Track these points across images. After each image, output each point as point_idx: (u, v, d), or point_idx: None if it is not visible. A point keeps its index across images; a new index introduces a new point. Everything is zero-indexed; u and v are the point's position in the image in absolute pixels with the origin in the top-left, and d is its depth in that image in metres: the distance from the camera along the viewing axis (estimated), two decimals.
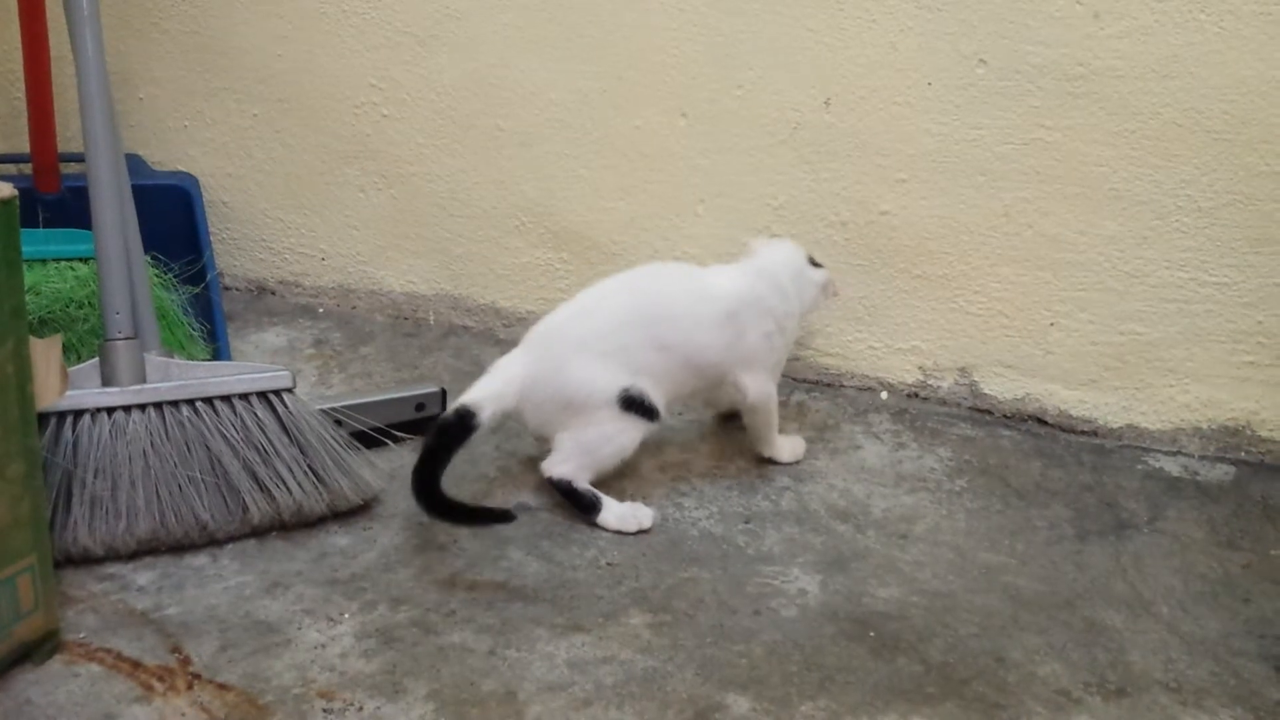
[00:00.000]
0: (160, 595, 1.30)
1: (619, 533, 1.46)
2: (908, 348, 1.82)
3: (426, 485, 1.38)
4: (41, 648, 1.19)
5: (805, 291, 1.62)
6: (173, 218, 1.86)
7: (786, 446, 1.64)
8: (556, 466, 1.48)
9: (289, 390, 1.41)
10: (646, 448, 1.57)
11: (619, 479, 1.54)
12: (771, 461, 1.63)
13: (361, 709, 1.15)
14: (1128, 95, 1.63)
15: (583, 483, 1.48)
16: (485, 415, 1.42)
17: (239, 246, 2.06)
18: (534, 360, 1.47)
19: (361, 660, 1.22)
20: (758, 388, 1.55)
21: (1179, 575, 1.45)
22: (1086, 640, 1.32)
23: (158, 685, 1.17)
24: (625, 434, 1.47)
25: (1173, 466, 1.69)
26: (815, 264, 1.65)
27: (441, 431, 1.41)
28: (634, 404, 1.46)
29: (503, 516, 1.40)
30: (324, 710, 1.15)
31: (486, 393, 1.44)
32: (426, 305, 2.01)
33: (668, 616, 1.31)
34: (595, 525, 1.47)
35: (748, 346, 1.53)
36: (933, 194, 1.74)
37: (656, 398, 1.48)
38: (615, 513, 1.47)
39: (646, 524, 1.47)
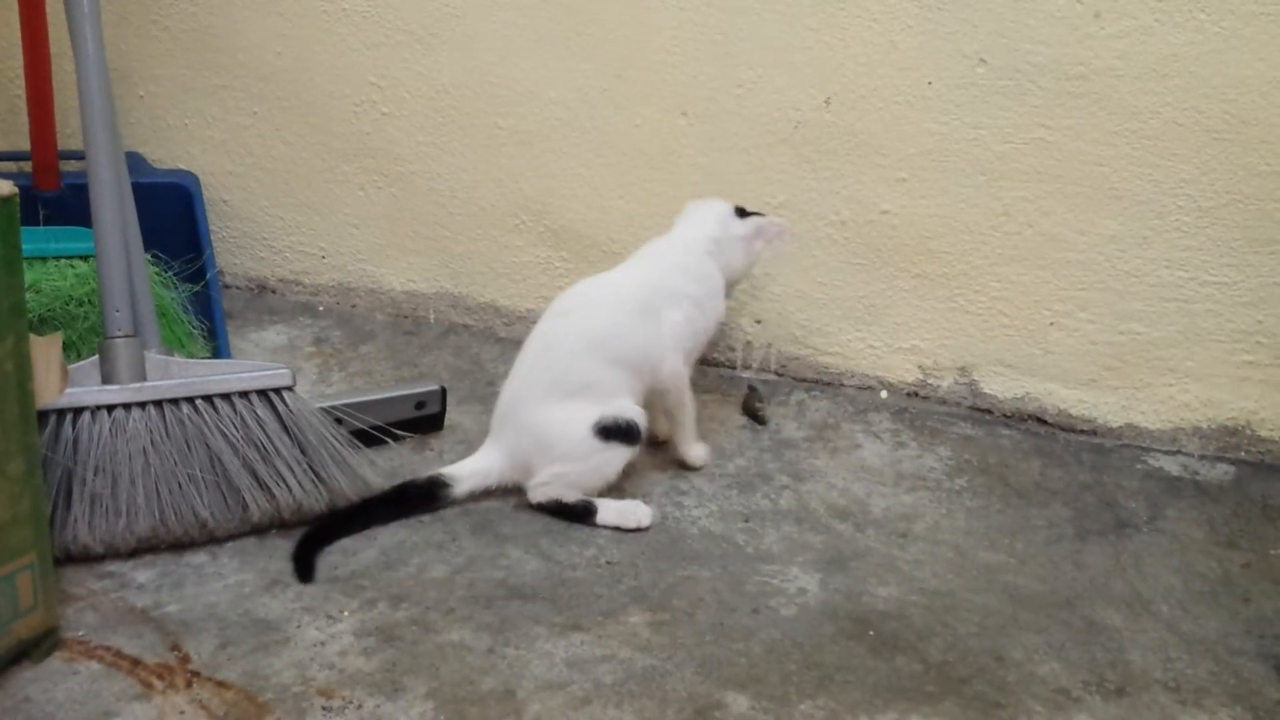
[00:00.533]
0: (160, 593, 1.30)
1: (618, 529, 1.46)
2: (907, 347, 1.82)
3: (322, 536, 1.39)
4: (41, 645, 1.19)
5: (731, 255, 1.62)
6: (173, 215, 1.86)
7: (697, 450, 1.62)
8: (539, 492, 1.48)
9: (289, 388, 1.41)
10: (647, 446, 1.57)
11: (618, 479, 1.54)
12: (684, 466, 1.61)
13: (361, 707, 1.15)
14: (1128, 95, 1.63)
15: (571, 498, 1.48)
16: (462, 489, 1.47)
17: (239, 244, 2.06)
18: (508, 439, 1.49)
19: (361, 658, 1.22)
20: (672, 367, 1.54)
21: (1178, 575, 1.45)
22: (1086, 639, 1.32)
23: (157, 683, 1.17)
24: (609, 463, 1.48)
25: (1172, 466, 1.69)
26: (744, 214, 1.65)
27: (401, 491, 1.45)
28: (613, 431, 1.46)
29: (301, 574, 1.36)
30: (323, 708, 1.15)
31: (467, 469, 1.49)
32: (426, 303, 2.01)
33: (667, 615, 1.31)
34: (596, 526, 1.47)
35: (671, 330, 1.54)
36: (933, 193, 1.74)
37: (635, 413, 1.48)
38: (614, 508, 1.48)
39: (645, 522, 1.48)
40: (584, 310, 1.53)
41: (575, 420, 1.46)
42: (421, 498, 1.46)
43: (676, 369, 1.55)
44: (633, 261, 1.60)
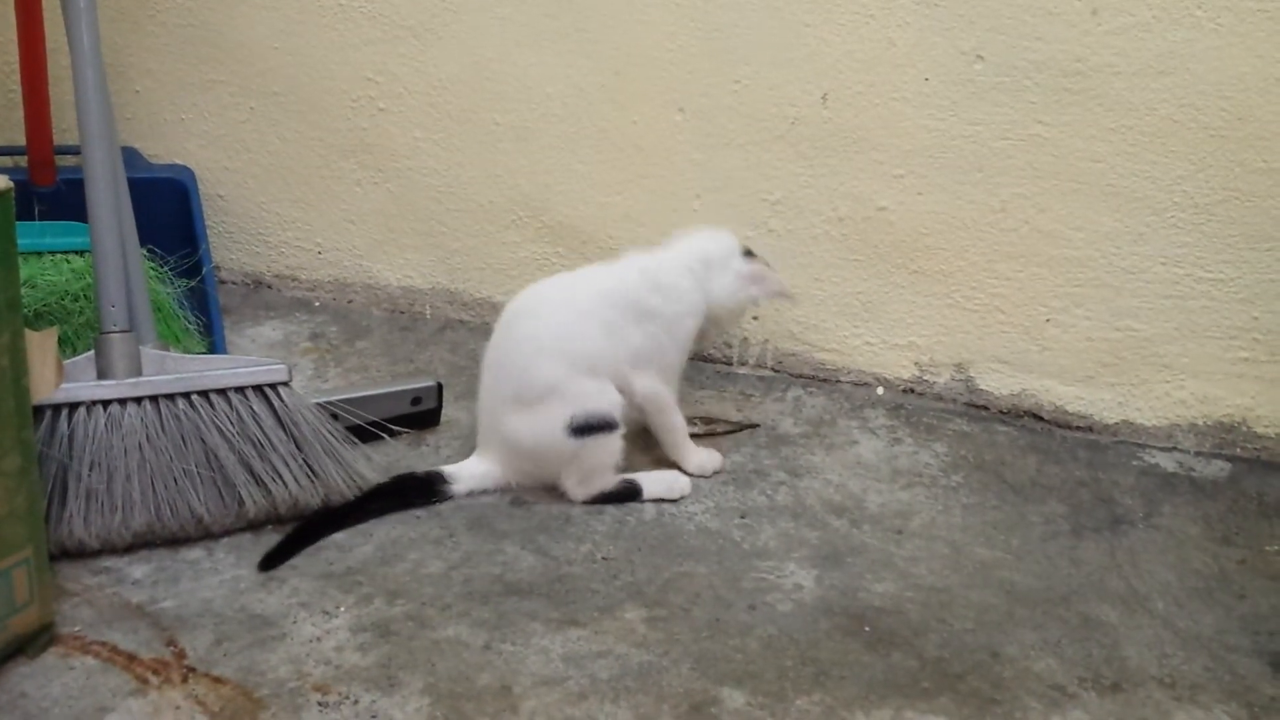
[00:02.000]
0: (156, 588, 1.30)
1: (663, 500, 1.51)
2: (904, 343, 1.82)
3: (318, 529, 1.40)
4: (36, 641, 1.19)
5: (720, 285, 1.56)
6: (168, 211, 1.86)
7: (695, 457, 1.58)
8: (578, 493, 1.49)
9: (285, 384, 1.41)
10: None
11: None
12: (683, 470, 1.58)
13: (357, 702, 1.15)
14: (1124, 91, 1.63)
15: (611, 485, 1.50)
16: (461, 488, 1.48)
17: (235, 240, 2.05)
18: (494, 451, 1.50)
19: (357, 654, 1.22)
20: (644, 387, 1.51)
21: (1174, 571, 1.45)
22: (1081, 635, 1.32)
23: (153, 678, 1.17)
24: (603, 448, 1.47)
25: (1168, 462, 1.70)
26: (751, 255, 1.60)
27: (400, 483, 1.46)
28: (587, 428, 1.45)
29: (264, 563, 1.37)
30: (319, 704, 1.15)
31: (466, 471, 1.49)
32: (423, 299, 2.01)
33: (663, 611, 1.31)
34: (645, 501, 1.51)
35: (632, 346, 1.50)
36: (930, 189, 1.74)
37: (606, 407, 1.46)
38: (657, 482, 1.52)
39: (686, 490, 1.53)
40: (532, 313, 1.51)
41: (547, 425, 1.44)
42: (420, 491, 1.47)
43: (650, 389, 1.51)
44: (600, 265, 1.57)
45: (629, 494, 1.51)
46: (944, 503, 1.57)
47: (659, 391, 1.53)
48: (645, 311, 1.51)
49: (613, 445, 1.47)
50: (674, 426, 1.56)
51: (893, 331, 1.82)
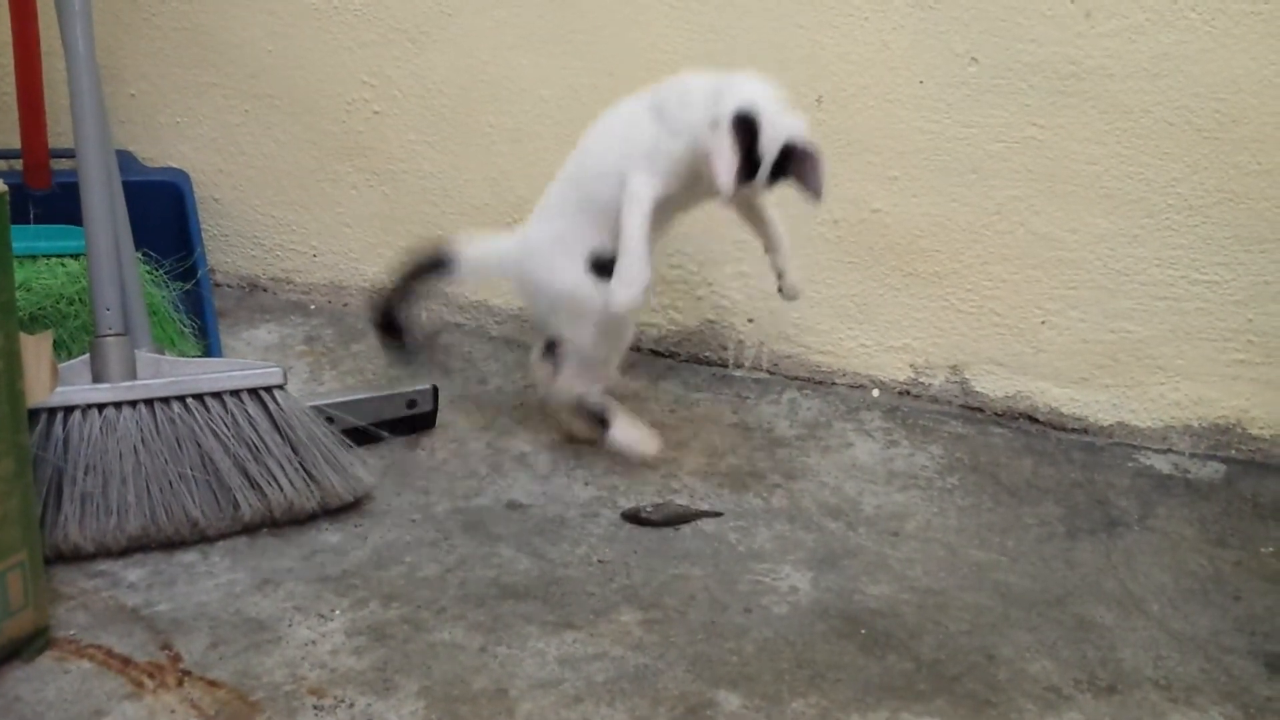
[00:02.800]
0: (151, 592, 1.30)
1: (623, 452, 1.55)
2: (899, 345, 1.82)
3: (387, 311, 1.57)
4: (31, 645, 1.19)
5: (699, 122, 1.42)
6: (164, 214, 1.85)
7: (624, 290, 1.45)
8: (565, 385, 1.53)
9: (280, 387, 1.41)
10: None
11: (608, 474, 1.54)
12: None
13: (352, 706, 1.15)
14: (1119, 93, 1.63)
15: (594, 397, 1.53)
16: (461, 265, 1.55)
17: (230, 243, 2.05)
18: (518, 243, 1.55)
19: (352, 657, 1.21)
20: (634, 182, 1.44)
21: (1169, 573, 1.45)
22: (1077, 637, 1.32)
23: (148, 682, 1.17)
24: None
25: (1163, 464, 1.70)
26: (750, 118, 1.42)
27: (415, 264, 1.56)
28: (603, 268, 1.46)
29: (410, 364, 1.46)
30: (314, 707, 1.14)
31: (474, 250, 1.56)
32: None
33: (659, 613, 1.31)
34: (606, 443, 1.55)
35: (645, 143, 1.45)
36: (924, 192, 1.74)
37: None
38: (625, 433, 1.55)
39: (651, 451, 1.57)
40: (610, 113, 1.53)
41: (563, 259, 1.49)
42: (430, 267, 1.56)
43: (636, 185, 1.44)
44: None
45: (601, 419, 1.54)
46: (939, 505, 1.57)
47: (642, 192, 1.43)
48: (662, 114, 1.46)
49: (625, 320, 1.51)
50: (626, 228, 1.43)
51: (888, 334, 1.82)
